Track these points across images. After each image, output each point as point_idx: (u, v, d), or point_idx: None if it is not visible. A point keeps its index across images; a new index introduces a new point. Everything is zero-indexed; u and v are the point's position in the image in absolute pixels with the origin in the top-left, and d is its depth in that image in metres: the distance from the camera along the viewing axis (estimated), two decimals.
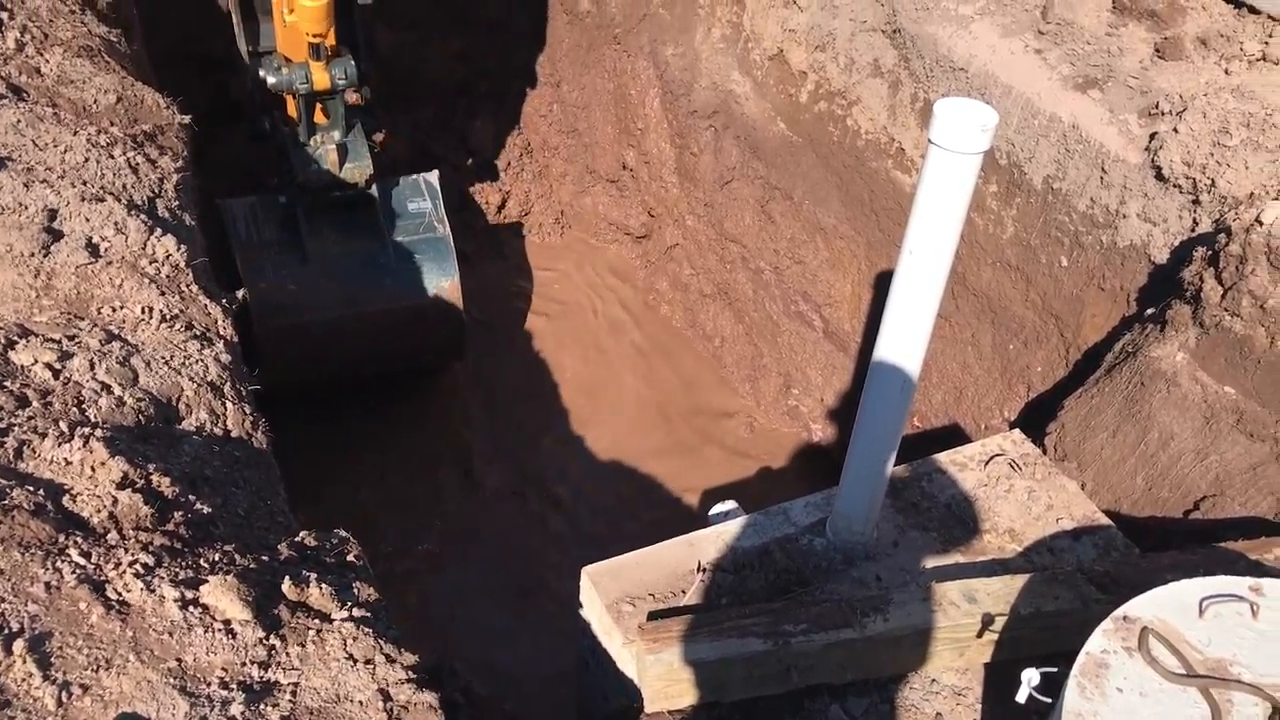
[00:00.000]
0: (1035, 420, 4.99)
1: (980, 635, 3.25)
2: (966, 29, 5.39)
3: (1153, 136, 4.62)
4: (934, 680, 3.30)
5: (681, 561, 3.68)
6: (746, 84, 6.68)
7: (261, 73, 5.54)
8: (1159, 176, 4.57)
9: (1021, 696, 2.65)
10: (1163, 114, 4.64)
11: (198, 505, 2.86)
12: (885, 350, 3.23)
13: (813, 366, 6.61)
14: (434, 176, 6.52)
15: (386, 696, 2.43)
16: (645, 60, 7.16)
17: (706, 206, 7.03)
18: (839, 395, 6.61)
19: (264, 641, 2.42)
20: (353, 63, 5.54)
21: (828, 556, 3.66)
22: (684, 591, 3.56)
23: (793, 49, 6.37)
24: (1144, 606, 2.69)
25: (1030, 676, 2.66)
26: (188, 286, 3.75)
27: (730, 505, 4.25)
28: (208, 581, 2.49)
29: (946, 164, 2.84)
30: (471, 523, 6.23)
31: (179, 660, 2.31)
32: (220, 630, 2.40)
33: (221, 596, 2.46)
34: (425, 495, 6.31)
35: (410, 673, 2.51)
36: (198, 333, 3.58)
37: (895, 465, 4.01)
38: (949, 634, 3.25)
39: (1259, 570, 3.29)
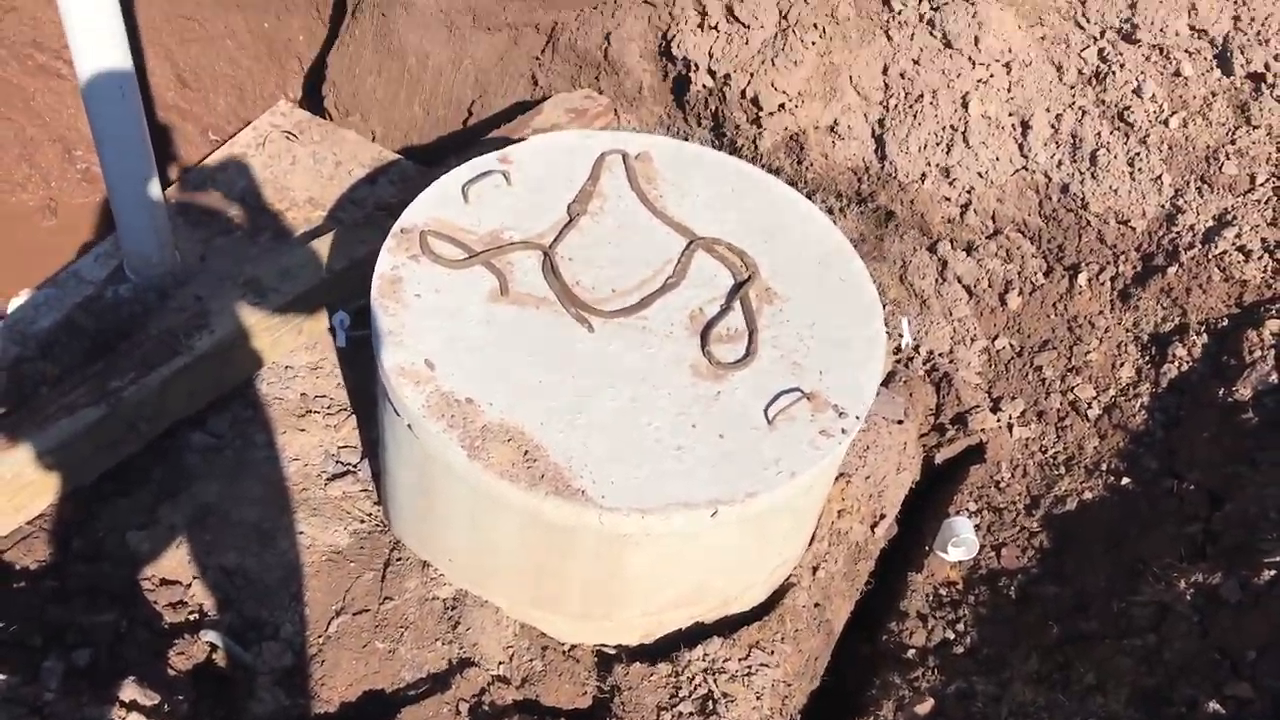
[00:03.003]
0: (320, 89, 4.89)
1: (308, 308, 3.26)
2: None
3: None
4: (288, 366, 3.29)
5: None
6: None
7: None
8: None
9: (341, 340, 2.71)
10: None
11: None
12: (84, 61, 2.88)
13: (82, 119, 5.91)
14: None
15: None
16: None
17: None
18: None
19: None
20: None
21: (139, 299, 3.41)
22: None
23: None
24: (416, 213, 2.81)
25: (340, 319, 2.73)
26: None
27: (24, 294, 3.79)
28: None
29: None
30: None
31: None
32: None
33: None
34: None
35: None
36: None
37: (180, 179, 3.78)
38: (279, 319, 3.21)
39: None
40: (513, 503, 2.37)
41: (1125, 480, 3.18)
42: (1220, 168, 3.37)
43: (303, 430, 3.13)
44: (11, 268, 5.78)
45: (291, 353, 3.30)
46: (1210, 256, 3.33)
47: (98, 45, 2.85)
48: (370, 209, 3.59)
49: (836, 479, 3.09)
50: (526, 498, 2.33)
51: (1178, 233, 3.39)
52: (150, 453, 3.08)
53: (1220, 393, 3.14)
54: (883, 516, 3.24)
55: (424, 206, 2.83)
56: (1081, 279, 3.53)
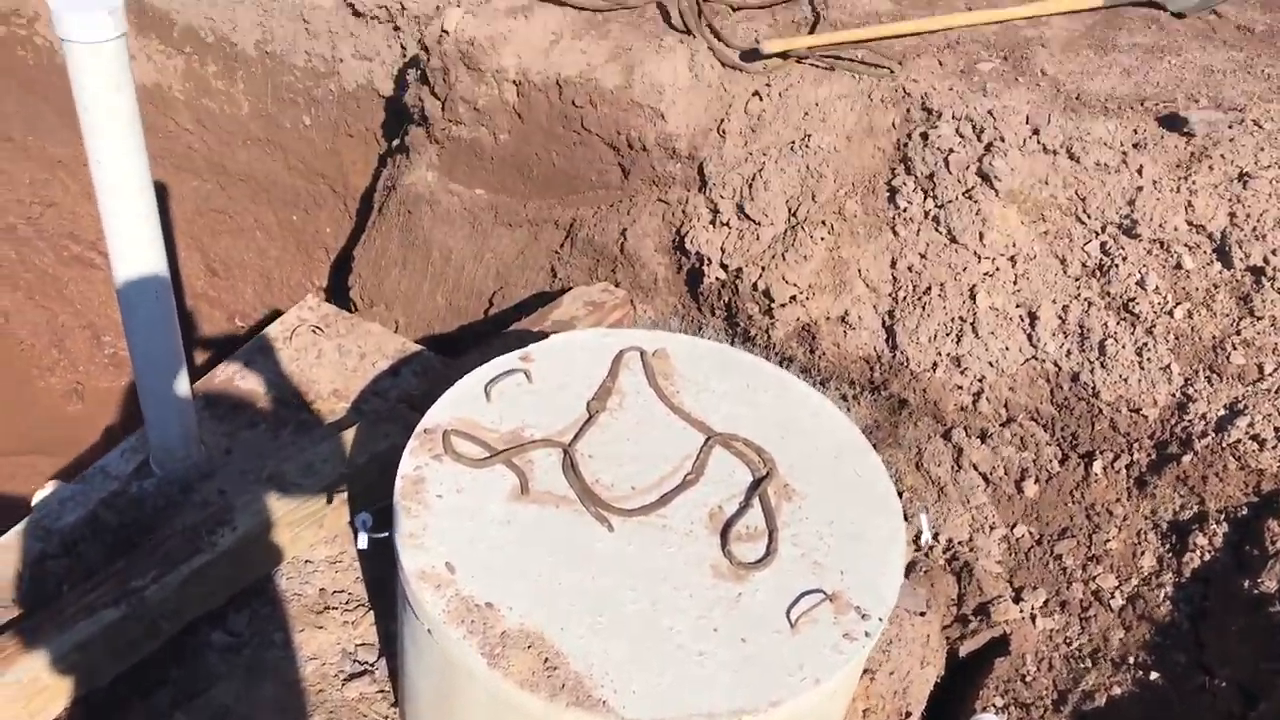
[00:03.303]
0: (346, 280, 5.06)
1: (330, 502, 3.29)
2: None
3: None
4: (307, 561, 3.30)
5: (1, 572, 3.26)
6: None
7: None
8: (355, 13, 4.67)
9: (362, 542, 2.73)
10: None
11: None
12: (122, 265, 3.01)
13: (111, 306, 6.10)
14: None
15: None
16: None
17: None
18: None
19: None
20: None
21: (163, 494, 3.45)
22: (15, 601, 3.17)
23: None
24: (439, 413, 2.87)
25: (363, 520, 2.75)
26: None
27: (51, 486, 3.83)
28: None
29: (87, 58, 2.64)
30: None
31: None
32: None
33: None
34: None
35: None
36: None
37: (209, 373, 3.86)
38: (301, 514, 3.24)
39: (540, 339, 3.65)
40: (533, 712, 2.34)
41: (1154, 675, 3.12)
42: (1228, 357, 3.42)
43: (321, 628, 3.12)
44: (38, 451, 5.87)
45: (311, 546, 3.32)
46: (1224, 445, 3.35)
47: (136, 251, 2.98)
48: (393, 401, 3.66)
49: (860, 676, 3.04)
50: (547, 708, 2.30)
51: (1190, 421, 3.43)
52: (168, 650, 3.06)
53: (1245, 584, 3.11)
54: (909, 714, 3.17)
55: (447, 406, 2.89)
56: (1097, 467, 3.55)
